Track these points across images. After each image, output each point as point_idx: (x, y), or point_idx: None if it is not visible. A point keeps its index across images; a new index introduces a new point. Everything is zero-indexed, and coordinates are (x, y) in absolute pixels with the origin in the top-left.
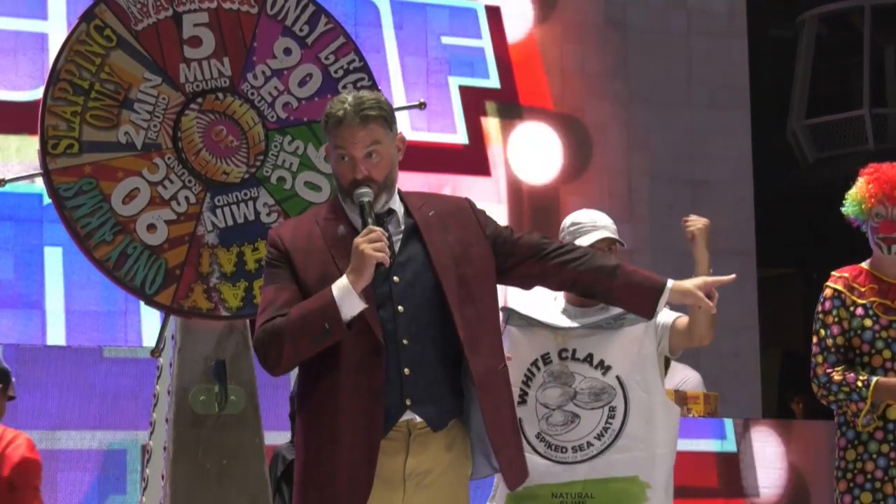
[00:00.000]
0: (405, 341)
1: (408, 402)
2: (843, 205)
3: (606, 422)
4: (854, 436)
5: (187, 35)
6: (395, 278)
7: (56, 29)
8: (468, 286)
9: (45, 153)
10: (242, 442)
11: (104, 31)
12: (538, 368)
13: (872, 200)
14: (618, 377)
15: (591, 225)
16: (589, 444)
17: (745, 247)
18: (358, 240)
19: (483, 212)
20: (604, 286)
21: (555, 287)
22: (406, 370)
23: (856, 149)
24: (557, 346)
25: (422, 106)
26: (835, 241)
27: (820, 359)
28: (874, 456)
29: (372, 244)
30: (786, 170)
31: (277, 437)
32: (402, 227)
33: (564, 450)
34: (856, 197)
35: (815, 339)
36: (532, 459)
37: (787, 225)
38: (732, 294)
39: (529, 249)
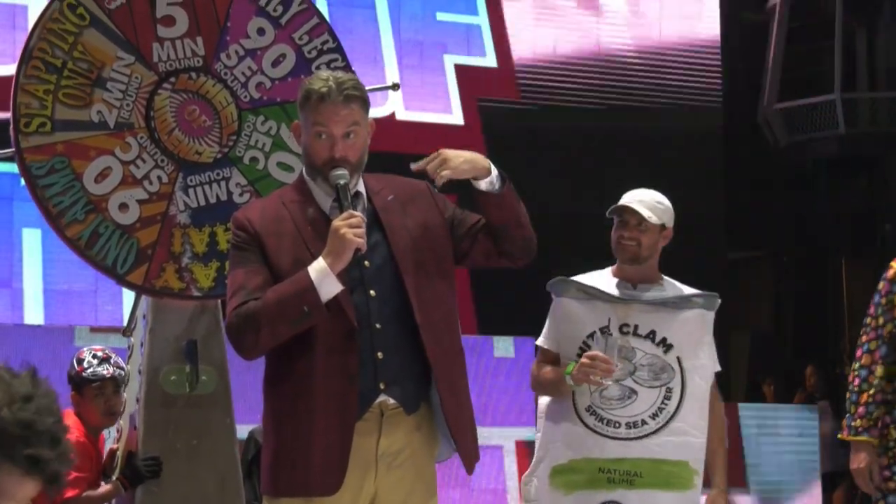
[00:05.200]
0: (378, 325)
1: (381, 386)
2: None
3: (662, 402)
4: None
5: (160, 14)
6: (367, 262)
7: (36, 2)
8: (426, 270)
9: (17, 131)
10: (213, 422)
11: (77, 9)
12: (595, 340)
13: None
14: (678, 358)
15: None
16: (643, 423)
17: (715, 228)
18: (338, 223)
19: (442, 196)
20: (495, 225)
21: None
22: (379, 353)
23: (826, 133)
24: (618, 320)
25: (395, 87)
26: (805, 225)
27: (872, 345)
28: None
29: (352, 229)
30: (757, 154)
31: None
32: (367, 212)
33: (618, 425)
34: None
35: (869, 321)
36: (577, 431)
37: (758, 208)
38: (701, 275)
39: (479, 229)
